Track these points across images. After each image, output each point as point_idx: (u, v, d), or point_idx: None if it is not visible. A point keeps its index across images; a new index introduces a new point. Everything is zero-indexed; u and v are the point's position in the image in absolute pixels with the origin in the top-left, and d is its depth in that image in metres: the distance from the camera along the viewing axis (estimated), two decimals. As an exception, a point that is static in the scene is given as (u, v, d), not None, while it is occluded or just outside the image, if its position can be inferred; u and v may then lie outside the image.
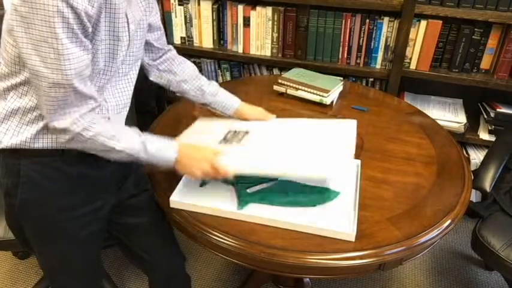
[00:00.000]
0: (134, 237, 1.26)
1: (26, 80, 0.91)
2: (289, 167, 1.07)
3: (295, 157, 1.10)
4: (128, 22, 0.96)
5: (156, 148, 1.02)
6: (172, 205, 1.11)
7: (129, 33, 0.97)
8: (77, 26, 0.82)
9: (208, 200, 1.10)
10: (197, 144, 1.11)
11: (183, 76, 1.27)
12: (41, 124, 0.95)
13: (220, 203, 1.10)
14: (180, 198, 1.12)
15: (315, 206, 1.10)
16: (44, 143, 0.96)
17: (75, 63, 0.84)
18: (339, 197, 1.13)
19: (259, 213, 1.07)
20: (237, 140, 1.19)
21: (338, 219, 1.06)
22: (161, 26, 1.19)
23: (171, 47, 1.27)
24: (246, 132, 1.22)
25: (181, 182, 1.15)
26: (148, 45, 1.19)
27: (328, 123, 1.27)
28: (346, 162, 1.07)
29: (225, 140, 1.20)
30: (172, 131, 1.43)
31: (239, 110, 1.32)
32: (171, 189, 1.13)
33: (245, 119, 1.32)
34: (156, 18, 1.15)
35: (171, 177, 1.17)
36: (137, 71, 1.08)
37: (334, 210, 1.09)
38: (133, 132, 1.01)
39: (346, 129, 1.23)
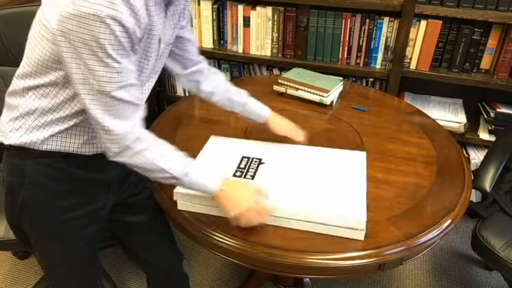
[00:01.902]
0: (133, 235, 1.26)
1: (49, 82, 0.90)
2: (314, 211, 1.06)
3: (312, 197, 1.10)
4: (159, 42, 0.97)
5: (199, 175, 1.00)
6: (175, 197, 1.11)
7: (158, 52, 0.98)
8: (126, 42, 0.83)
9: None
10: (241, 182, 1.09)
11: (212, 88, 1.26)
12: (56, 129, 0.95)
13: None
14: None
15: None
16: (53, 145, 0.96)
17: (125, 76, 0.85)
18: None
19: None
20: (252, 171, 1.19)
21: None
22: (192, 38, 1.19)
23: (201, 58, 1.26)
24: (261, 162, 1.23)
25: None
26: (178, 56, 1.19)
27: (338, 155, 1.27)
28: (362, 204, 1.08)
29: (240, 168, 1.20)
30: (173, 130, 1.43)
31: (268, 122, 1.31)
32: (170, 188, 1.13)
33: (274, 131, 1.31)
34: (187, 32, 1.16)
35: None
36: (154, 82, 1.08)
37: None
38: (180, 154, 1.00)
39: (356, 162, 1.24)
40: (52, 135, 0.95)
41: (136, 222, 1.23)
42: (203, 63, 1.26)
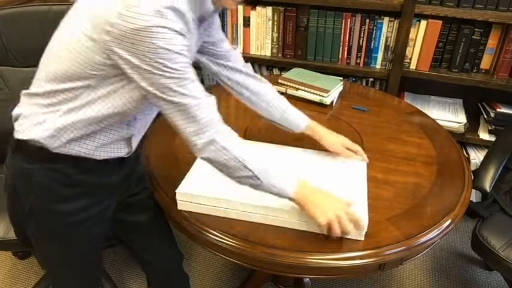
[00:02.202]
0: (133, 235, 1.26)
1: (82, 85, 0.89)
2: None
3: None
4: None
5: (277, 176, 0.98)
6: (178, 197, 1.10)
7: None
8: (181, 49, 0.83)
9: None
10: (324, 190, 1.05)
11: (252, 92, 1.23)
12: (78, 132, 0.93)
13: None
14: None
15: None
16: (68, 148, 0.95)
17: (186, 75, 0.86)
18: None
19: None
20: None
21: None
22: (224, 39, 1.18)
23: (240, 60, 1.23)
24: None
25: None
26: (217, 57, 1.19)
27: (339, 161, 1.26)
28: (364, 211, 1.07)
29: None
30: (173, 131, 1.43)
31: (319, 137, 1.26)
32: (170, 188, 1.13)
33: (325, 147, 1.27)
34: (215, 37, 1.15)
35: (170, 176, 1.17)
36: None
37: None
38: (259, 155, 0.98)
39: (357, 170, 1.22)
40: (73, 138, 0.94)
41: (136, 221, 1.23)
42: (243, 65, 1.24)
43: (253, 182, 0.97)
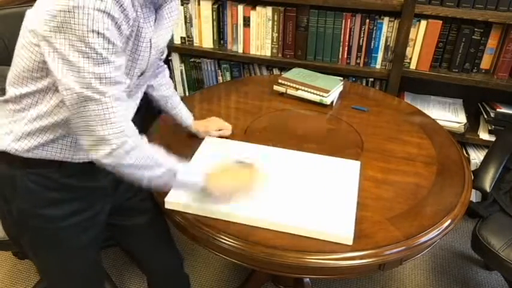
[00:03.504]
0: (131, 238, 1.25)
1: (42, 88, 0.88)
2: (302, 223, 1.05)
3: (302, 207, 1.09)
4: (150, 47, 0.94)
5: (186, 171, 1.01)
6: (167, 206, 1.11)
7: (149, 59, 0.96)
8: (114, 36, 0.80)
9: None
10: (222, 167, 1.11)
11: (158, 82, 1.25)
12: (49, 135, 0.93)
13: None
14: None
15: None
16: (47, 152, 0.94)
17: (113, 72, 0.82)
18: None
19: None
20: None
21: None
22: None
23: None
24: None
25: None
26: None
27: (332, 163, 1.26)
28: (350, 217, 1.07)
29: None
30: (172, 131, 1.43)
31: (194, 128, 1.36)
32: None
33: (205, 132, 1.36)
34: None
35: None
36: (143, 92, 1.09)
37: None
38: (166, 152, 0.98)
39: (349, 172, 1.22)
40: (46, 142, 0.93)
41: (133, 225, 1.22)
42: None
43: (166, 178, 0.97)
